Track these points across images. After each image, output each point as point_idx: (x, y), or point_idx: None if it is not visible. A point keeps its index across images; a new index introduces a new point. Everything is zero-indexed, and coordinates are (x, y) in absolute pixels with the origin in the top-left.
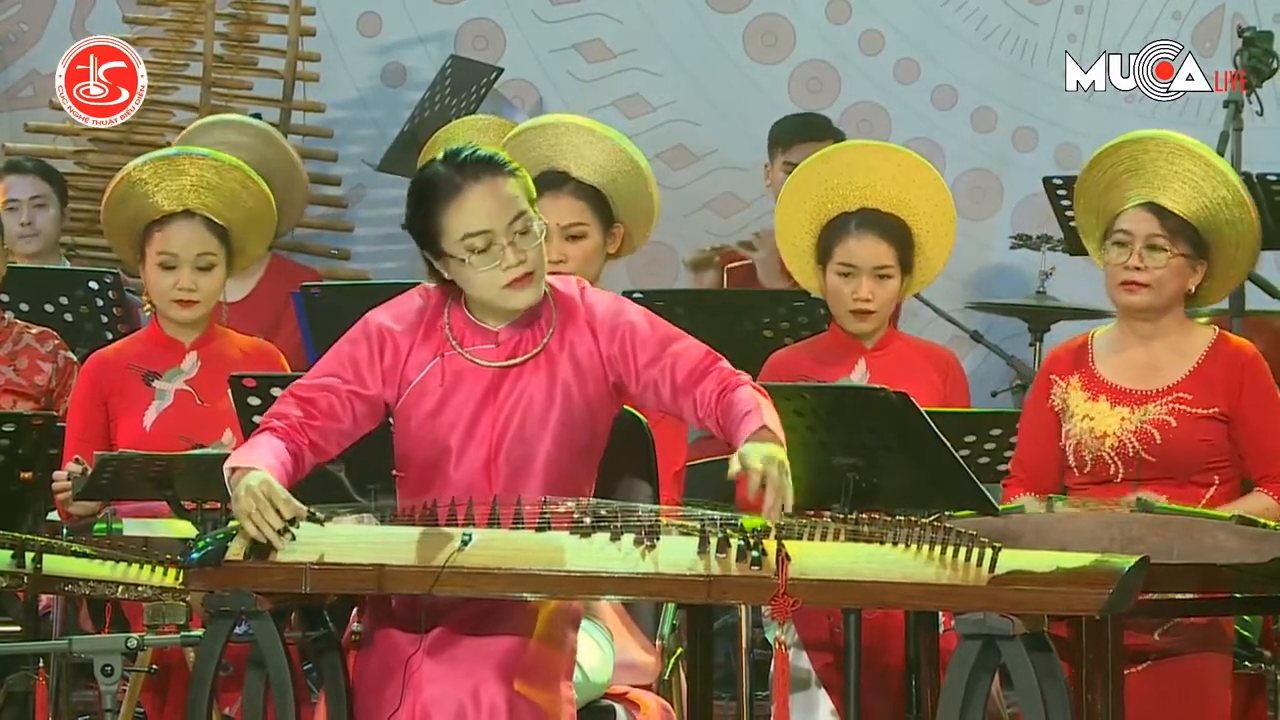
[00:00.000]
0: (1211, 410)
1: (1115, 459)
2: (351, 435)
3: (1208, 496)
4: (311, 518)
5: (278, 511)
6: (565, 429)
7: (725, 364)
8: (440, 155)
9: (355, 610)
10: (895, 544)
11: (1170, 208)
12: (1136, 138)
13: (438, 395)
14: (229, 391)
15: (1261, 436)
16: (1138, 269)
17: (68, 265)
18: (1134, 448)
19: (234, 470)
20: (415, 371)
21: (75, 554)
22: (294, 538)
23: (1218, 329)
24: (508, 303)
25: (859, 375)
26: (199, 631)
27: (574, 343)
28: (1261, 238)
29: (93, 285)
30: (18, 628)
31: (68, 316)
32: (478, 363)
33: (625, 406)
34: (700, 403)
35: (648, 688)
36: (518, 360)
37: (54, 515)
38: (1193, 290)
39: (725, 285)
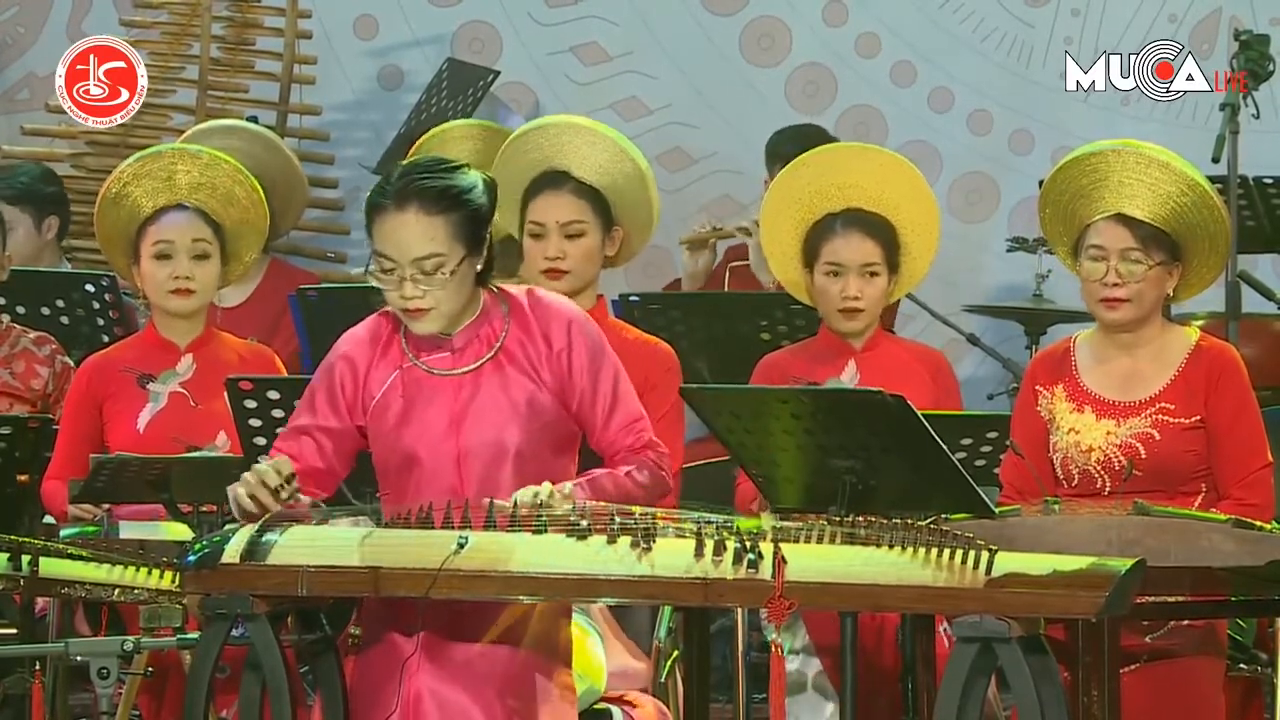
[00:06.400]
0: (1193, 419)
1: (1102, 473)
2: (335, 473)
3: (1195, 505)
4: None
5: (278, 472)
6: (534, 425)
7: (649, 433)
8: (398, 168)
9: (355, 613)
10: (892, 547)
11: (1139, 216)
12: (1098, 149)
13: (400, 407)
14: (224, 394)
15: (1227, 443)
16: (1116, 284)
17: (66, 267)
18: (1119, 462)
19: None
20: (378, 387)
21: (71, 557)
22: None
23: (1199, 332)
24: (406, 322)
25: (849, 376)
26: (195, 634)
27: (527, 343)
28: (1258, 239)
29: (90, 288)
30: (14, 630)
31: (65, 319)
32: (435, 373)
33: None
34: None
35: (642, 691)
36: (474, 366)
37: (49, 519)
38: (1170, 293)
39: (727, 285)
